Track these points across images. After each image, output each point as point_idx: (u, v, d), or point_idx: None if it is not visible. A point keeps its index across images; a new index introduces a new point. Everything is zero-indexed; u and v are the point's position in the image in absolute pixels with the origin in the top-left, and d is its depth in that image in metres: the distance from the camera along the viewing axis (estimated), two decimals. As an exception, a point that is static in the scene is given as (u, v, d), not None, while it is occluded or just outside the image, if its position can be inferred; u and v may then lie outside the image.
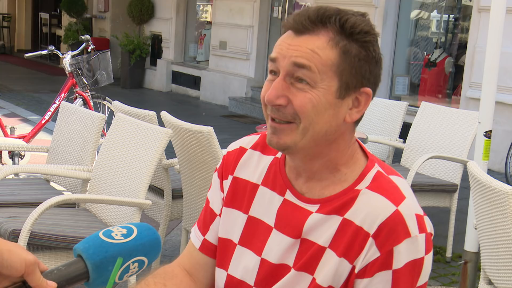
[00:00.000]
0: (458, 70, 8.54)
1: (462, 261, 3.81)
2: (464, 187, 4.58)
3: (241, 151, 1.51)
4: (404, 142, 5.06)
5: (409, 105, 5.54)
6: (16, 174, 5.00)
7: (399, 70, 9.12)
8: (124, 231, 1.13)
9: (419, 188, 4.43)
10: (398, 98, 8.70)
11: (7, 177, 3.87)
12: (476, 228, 3.01)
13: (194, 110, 10.74)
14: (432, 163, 4.70)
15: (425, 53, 9.25)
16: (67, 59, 6.39)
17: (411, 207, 1.32)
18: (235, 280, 1.46)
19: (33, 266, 1.08)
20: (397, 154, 5.23)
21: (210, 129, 3.43)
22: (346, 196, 1.35)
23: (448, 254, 4.56)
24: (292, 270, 1.38)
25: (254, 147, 1.50)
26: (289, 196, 1.41)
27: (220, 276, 1.49)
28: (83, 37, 6.92)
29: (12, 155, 5.72)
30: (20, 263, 1.07)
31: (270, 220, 1.42)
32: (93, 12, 15.18)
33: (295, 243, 1.38)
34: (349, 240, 1.32)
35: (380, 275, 1.30)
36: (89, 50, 6.82)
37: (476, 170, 2.85)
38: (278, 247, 1.40)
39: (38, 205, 3.04)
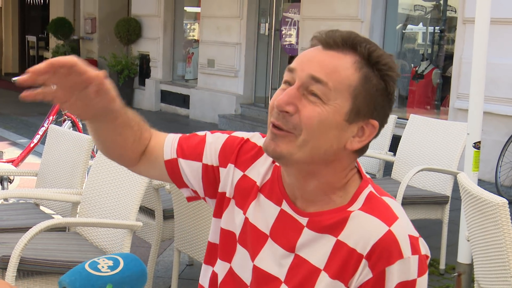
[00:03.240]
0: (446, 82, 8.58)
1: (456, 273, 3.81)
2: (455, 198, 4.59)
3: (259, 151, 1.48)
4: (394, 155, 5.07)
5: (398, 118, 5.56)
6: (6, 199, 4.96)
7: (387, 83, 9.15)
8: (111, 263, 1.13)
9: (410, 200, 4.43)
10: (387, 111, 8.71)
11: (-4, 203, 3.84)
12: (468, 240, 3.01)
13: (184, 129, 10.73)
14: (422, 176, 4.70)
15: (412, 65, 9.30)
16: (54, 82, 6.37)
17: (404, 228, 1.31)
18: (235, 276, 1.45)
19: None
20: (388, 167, 5.23)
21: (199, 148, 3.41)
22: (338, 216, 1.34)
23: (442, 266, 4.55)
24: (284, 286, 1.36)
25: None
26: (285, 206, 1.40)
27: (221, 266, 1.48)
28: (70, 59, 6.90)
29: (1, 179, 5.67)
30: None
31: (265, 228, 1.41)
32: (80, 34, 15.18)
33: (288, 256, 1.37)
34: (342, 262, 1.31)
35: None
36: (76, 72, 6.79)
37: (467, 182, 2.85)
38: (272, 257, 1.39)
39: (27, 230, 3.01)
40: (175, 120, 11.69)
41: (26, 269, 3.02)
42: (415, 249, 1.30)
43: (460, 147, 4.58)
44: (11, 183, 5.77)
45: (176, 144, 1.54)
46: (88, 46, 14.93)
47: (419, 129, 4.91)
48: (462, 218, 3.72)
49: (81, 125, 6.29)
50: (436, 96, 9.00)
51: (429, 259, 1.34)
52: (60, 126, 5.91)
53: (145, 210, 4.05)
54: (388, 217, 1.31)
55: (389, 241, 1.28)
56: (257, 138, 1.52)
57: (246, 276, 1.43)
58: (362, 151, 1.36)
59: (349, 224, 1.33)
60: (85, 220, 3.38)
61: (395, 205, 1.35)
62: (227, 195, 1.49)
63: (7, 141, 9.04)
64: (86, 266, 1.11)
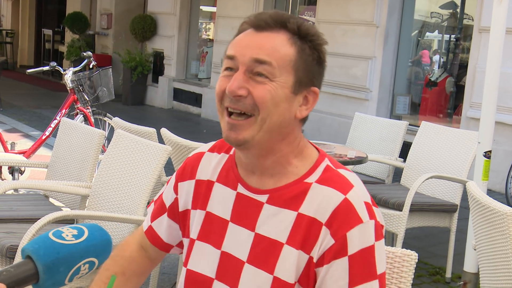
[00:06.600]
0: (459, 90, 8.55)
1: (462, 282, 3.79)
2: (464, 207, 4.57)
3: (200, 155, 1.59)
4: (404, 161, 5.06)
5: (410, 125, 5.54)
6: (16, 190, 4.99)
7: (400, 89, 9.14)
8: (75, 232, 1.11)
9: (419, 207, 4.42)
10: (399, 118, 8.70)
11: (6, 193, 3.87)
12: (475, 249, 3.00)
13: (195, 127, 10.74)
14: (432, 183, 4.69)
15: (426, 72, 9.27)
16: (68, 75, 6.41)
17: (359, 195, 1.39)
18: (195, 274, 1.50)
19: None
20: (397, 173, 5.22)
21: (209, 146, 3.42)
22: (296, 189, 1.42)
23: (448, 274, 4.53)
24: (247, 266, 1.43)
25: (212, 150, 1.59)
26: (241, 189, 1.48)
27: (182, 273, 1.55)
28: (84, 54, 6.94)
29: (12, 170, 5.72)
30: None
31: (226, 214, 1.48)
32: (96, 29, 15.24)
33: (250, 235, 1.44)
34: (304, 232, 1.38)
35: (336, 263, 1.35)
36: (91, 66, 6.84)
37: (476, 190, 2.84)
38: (236, 239, 1.46)
39: (36, 221, 3.03)
40: (187, 118, 11.71)
41: (33, 260, 3.04)
42: (371, 214, 1.38)
43: (470, 156, 4.56)
44: (22, 174, 5.81)
45: (151, 212, 1.67)
46: (103, 42, 14.99)
47: (430, 136, 4.90)
48: (469, 227, 3.71)
49: (93, 120, 6.32)
50: (449, 104, 8.98)
51: (383, 228, 1.41)
52: (73, 119, 5.94)
53: (153, 206, 4.06)
54: (344, 186, 1.40)
55: (347, 208, 1.37)
56: (195, 151, 1.63)
57: (210, 270, 1.48)
58: (306, 118, 1.46)
59: (308, 196, 1.40)
60: (93, 213, 3.40)
61: (350, 175, 1.43)
62: (189, 208, 1.57)
63: (20, 133, 9.10)
64: (50, 235, 1.09)
